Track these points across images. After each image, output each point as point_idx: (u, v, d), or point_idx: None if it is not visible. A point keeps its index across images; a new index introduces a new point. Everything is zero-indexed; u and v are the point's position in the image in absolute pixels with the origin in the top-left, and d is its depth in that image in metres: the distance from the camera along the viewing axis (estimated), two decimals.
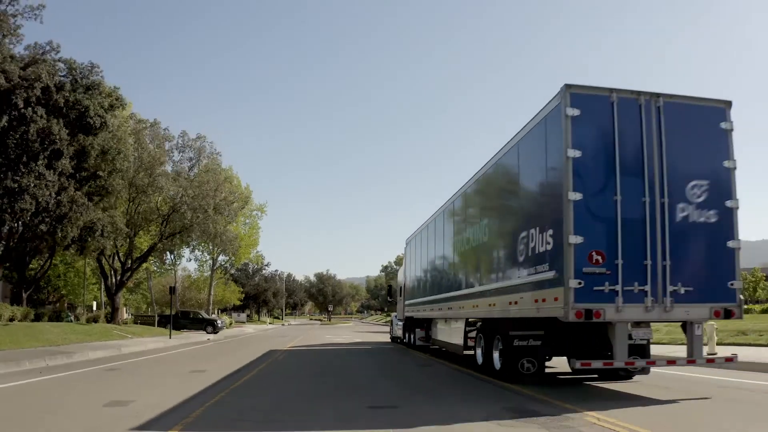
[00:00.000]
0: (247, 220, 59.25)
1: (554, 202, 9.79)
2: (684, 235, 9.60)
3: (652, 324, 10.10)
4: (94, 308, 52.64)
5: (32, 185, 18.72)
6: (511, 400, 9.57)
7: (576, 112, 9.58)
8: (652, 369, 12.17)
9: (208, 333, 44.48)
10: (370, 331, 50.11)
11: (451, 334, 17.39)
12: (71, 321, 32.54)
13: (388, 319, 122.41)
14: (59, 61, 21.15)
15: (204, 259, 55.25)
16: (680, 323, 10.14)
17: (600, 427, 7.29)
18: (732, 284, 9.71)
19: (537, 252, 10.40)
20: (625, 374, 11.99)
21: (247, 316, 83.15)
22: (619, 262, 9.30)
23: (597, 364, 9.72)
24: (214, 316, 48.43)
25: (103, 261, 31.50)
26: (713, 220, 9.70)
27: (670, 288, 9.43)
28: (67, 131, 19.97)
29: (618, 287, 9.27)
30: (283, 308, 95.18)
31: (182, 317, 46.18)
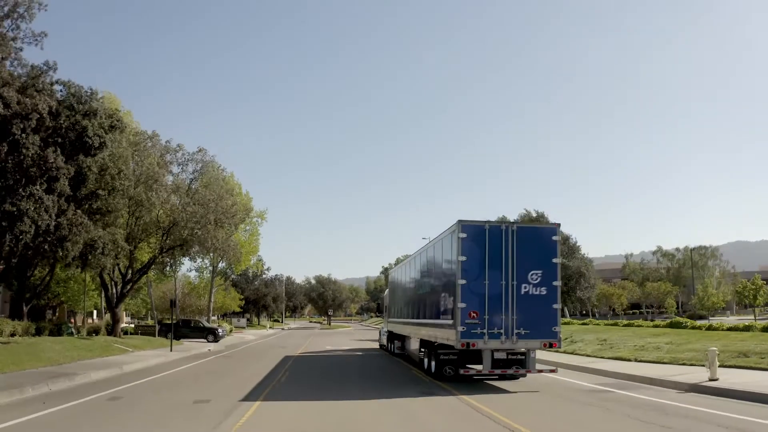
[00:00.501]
0: (247, 227, 59.22)
1: (452, 283, 16.94)
2: (525, 302, 16.61)
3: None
4: (95, 316, 52.76)
5: (31, 209, 18.70)
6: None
7: (464, 235, 16.56)
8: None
9: (209, 342, 44.55)
10: (365, 339, 50.67)
11: (414, 347, 24.70)
12: (72, 333, 32.52)
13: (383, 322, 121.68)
14: (57, 83, 21.03)
15: (204, 266, 55.23)
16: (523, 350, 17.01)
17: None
18: (554, 328, 16.79)
19: (447, 307, 17.59)
20: (510, 377, 18.30)
21: (247, 320, 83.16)
22: (486, 317, 16.47)
23: (471, 371, 17.29)
24: (214, 325, 48.41)
25: (104, 273, 31.47)
26: (544, 293, 16.70)
27: (515, 331, 16.50)
28: (63, 158, 19.95)
29: (485, 331, 16.45)
30: (283, 312, 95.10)
31: (183, 326, 46.20)
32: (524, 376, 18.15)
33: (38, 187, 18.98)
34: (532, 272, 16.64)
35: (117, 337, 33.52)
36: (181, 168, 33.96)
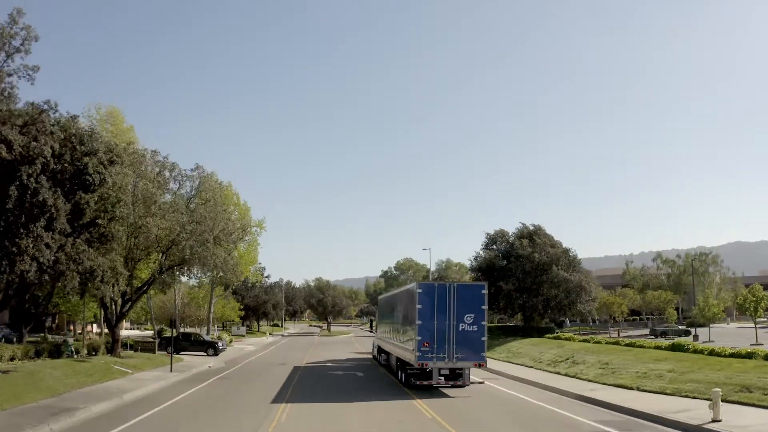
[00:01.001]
0: (246, 237, 59.12)
1: (413, 321, 24.38)
2: (462, 336, 23.78)
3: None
4: (94, 329, 52.64)
5: (31, 246, 18.62)
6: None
7: (420, 290, 24.29)
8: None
9: (209, 356, 44.55)
10: (362, 351, 51.39)
11: (393, 361, 30.73)
12: (71, 352, 32.43)
13: None
14: (58, 123, 20.84)
15: (204, 278, 55.16)
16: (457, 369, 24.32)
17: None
18: (482, 353, 24.13)
19: (410, 337, 25.09)
20: (461, 386, 24.44)
21: (247, 327, 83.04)
22: (435, 346, 23.73)
23: (422, 382, 24.14)
24: (215, 339, 48.32)
25: (104, 297, 31.36)
26: (475, 329, 23.93)
27: (455, 355, 23.78)
28: (63, 199, 19.89)
29: (434, 355, 23.71)
30: (282, 318, 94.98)
31: (183, 339, 46.09)
32: (462, 386, 24.47)
33: (38, 224, 18.91)
34: (467, 315, 23.99)
35: (117, 357, 33.41)
36: (179, 185, 33.83)
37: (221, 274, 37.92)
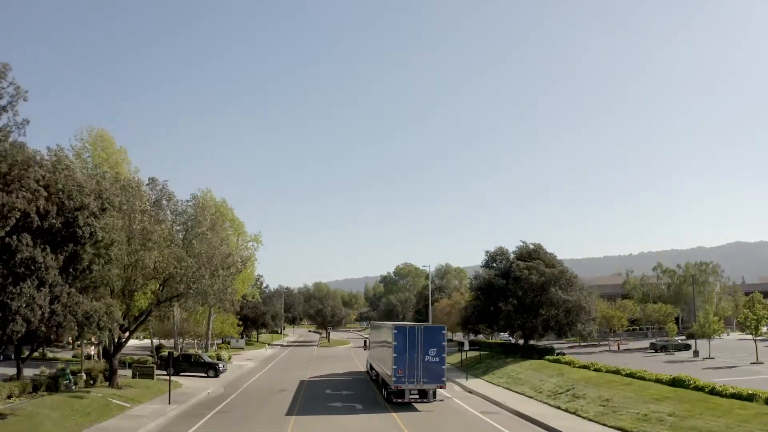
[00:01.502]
0: (244, 252, 58.93)
1: (390, 353, 31.54)
2: (427, 365, 31.13)
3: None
4: (92, 351, 52.40)
5: (23, 306, 18.45)
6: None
7: (395, 331, 31.65)
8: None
9: (209, 377, 44.50)
10: (357, 369, 53.92)
11: (379, 379, 37.71)
12: (69, 381, 32.30)
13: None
14: (44, 179, 20.28)
15: (200, 309, 55.09)
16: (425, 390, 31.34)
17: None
18: (443, 378, 31.43)
19: (388, 365, 32.37)
20: (427, 401, 31.27)
21: (247, 338, 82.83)
22: (406, 372, 31.00)
23: (398, 399, 31.23)
24: (215, 360, 48.18)
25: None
26: (437, 360, 31.26)
27: (422, 379, 31.09)
28: (53, 255, 19.67)
29: (406, 379, 30.99)
30: (282, 327, 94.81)
31: (183, 361, 45.91)
32: (428, 402, 31.65)
33: (29, 284, 18.72)
34: (430, 350, 31.46)
35: (115, 389, 33.26)
36: (175, 217, 33.54)
37: (219, 304, 37.68)
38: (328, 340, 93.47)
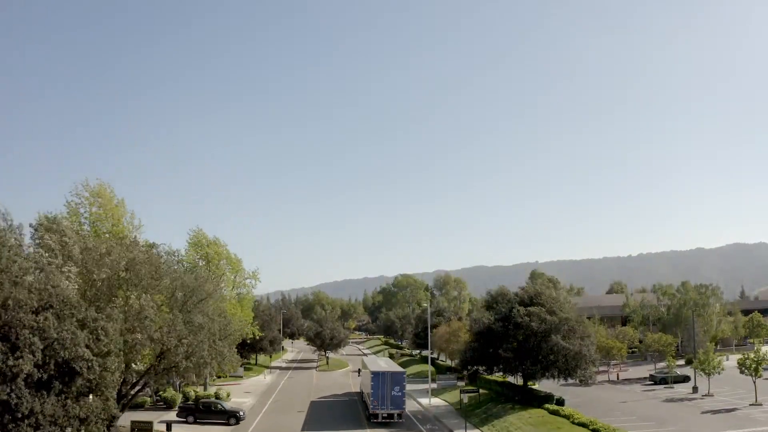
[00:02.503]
0: (241, 289, 58.62)
1: (369, 389, 49.39)
2: (393, 397, 47.21)
3: None
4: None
5: None
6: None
7: (373, 375, 48.52)
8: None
9: (231, 425, 45.18)
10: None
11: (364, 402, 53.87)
12: None
13: (383, 347, 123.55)
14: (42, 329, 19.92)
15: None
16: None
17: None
18: (403, 405, 47.76)
19: (368, 397, 50.89)
20: (394, 422, 47.13)
21: (245, 363, 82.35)
22: (379, 402, 47.36)
23: (374, 420, 47.29)
24: (235, 408, 48.23)
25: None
26: (400, 394, 47.47)
27: (389, 407, 47.25)
28: (49, 401, 19.40)
29: (378, 406, 47.37)
30: (280, 346, 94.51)
31: (204, 409, 45.71)
32: (395, 423, 46.63)
33: (24, 425, 18.44)
34: (395, 387, 46.71)
35: None
36: (173, 284, 33.22)
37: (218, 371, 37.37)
38: (327, 364, 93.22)
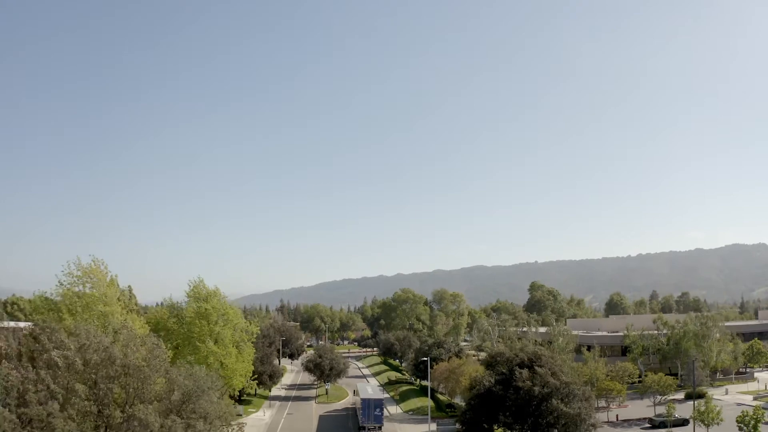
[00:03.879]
0: (240, 344, 58.43)
1: (359, 409, 70.99)
2: (375, 416, 67.27)
3: None
4: None
5: None
6: None
7: (362, 401, 68.91)
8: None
9: None
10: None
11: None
12: None
13: (382, 368, 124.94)
14: None
15: None
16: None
17: None
18: (383, 420, 68.06)
19: (358, 414, 72.16)
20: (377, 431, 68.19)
21: (242, 396, 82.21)
22: (366, 418, 67.15)
23: (363, 429, 67.75)
24: None
25: None
26: (380, 414, 67.59)
27: (373, 423, 66.93)
28: None
29: (366, 421, 67.15)
30: (280, 376, 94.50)
31: None
32: None
33: None
34: (377, 409, 66.87)
35: None
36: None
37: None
38: (327, 394, 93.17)
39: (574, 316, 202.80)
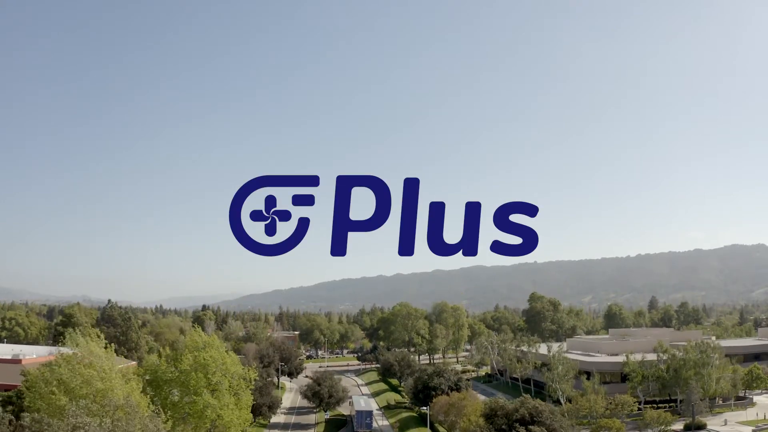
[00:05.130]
0: (238, 388, 58.00)
1: (355, 416, 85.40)
2: (366, 423, 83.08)
3: None
4: None
5: None
6: None
7: (356, 411, 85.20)
8: None
9: None
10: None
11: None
12: None
13: (381, 386, 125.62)
14: None
15: None
16: None
17: None
18: (371, 426, 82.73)
19: (354, 419, 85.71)
20: None
21: None
22: (359, 424, 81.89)
23: None
24: None
25: None
26: (369, 422, 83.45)
27: (364, 427, 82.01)
28: None
29: (358, 426, 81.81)
30: (279, 406, 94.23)
31: None
32: None
33: None
34: (367, 418, 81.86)
35: None
36: None
37: None
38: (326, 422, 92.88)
39: (573, 328, 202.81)
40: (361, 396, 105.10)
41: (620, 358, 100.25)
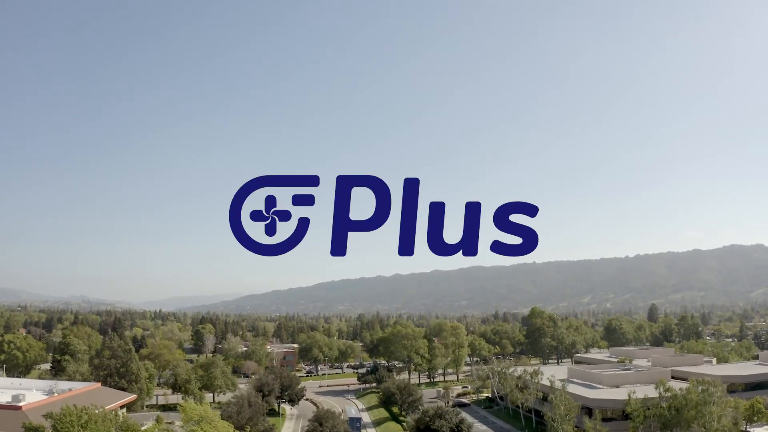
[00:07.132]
0: None
1: (348, 423, 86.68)
2: (357, 426, 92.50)
3: None
4: None
5: None
6: None
7: (349, 419, 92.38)
8: None
9: None
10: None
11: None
12: None
13: (383, 414, 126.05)
14: None
15: None
16: None
17: None
18: (360, 429, 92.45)
19: (350, 424, 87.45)
20: None
21: None
22: (354, 429, 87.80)
23: None
24: None
25: None
26: (358, 426, 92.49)
27: (354, 430, 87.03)
28: None
29: (352, 430, 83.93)
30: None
31: None
32: None
33: None
34: (357, 423, 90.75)
35: None
36: None
37: None
38: None
39: (573, 344, 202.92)
40: (351, 405, 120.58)
41: (622, 393, 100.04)
